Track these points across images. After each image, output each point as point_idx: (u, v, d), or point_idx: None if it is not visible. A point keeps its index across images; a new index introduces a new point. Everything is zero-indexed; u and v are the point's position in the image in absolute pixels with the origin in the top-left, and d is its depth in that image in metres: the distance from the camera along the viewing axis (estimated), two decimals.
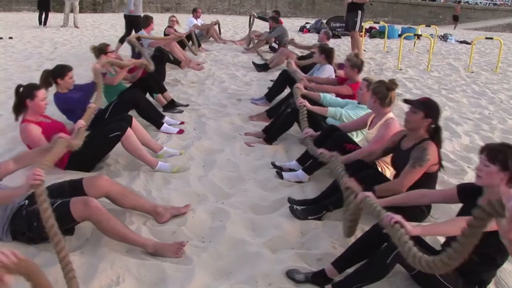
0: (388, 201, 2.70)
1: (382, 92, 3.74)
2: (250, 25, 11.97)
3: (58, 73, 4.51)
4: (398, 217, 2.24)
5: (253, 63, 9.08)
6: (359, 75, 5.24)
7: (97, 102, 4.33)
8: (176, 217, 3.30)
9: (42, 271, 1.93)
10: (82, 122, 3.73)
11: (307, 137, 4.15)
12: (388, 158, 3.69)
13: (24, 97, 3.74)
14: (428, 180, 3.15)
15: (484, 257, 2.35)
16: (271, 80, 7.79)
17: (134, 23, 9.65)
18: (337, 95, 5.28)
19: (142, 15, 9.34)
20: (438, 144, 3.18)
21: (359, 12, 9.61)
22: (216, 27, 12.61)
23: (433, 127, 3.18)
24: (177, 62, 8.09)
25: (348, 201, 2.81)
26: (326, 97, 4.97)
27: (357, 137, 4.42)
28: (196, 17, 11.98)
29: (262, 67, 8.83)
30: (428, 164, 3.07)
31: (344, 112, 4.45)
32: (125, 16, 10.17)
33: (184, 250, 2.90)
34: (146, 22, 8.16)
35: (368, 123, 4.01)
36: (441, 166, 3.20)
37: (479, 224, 1.64)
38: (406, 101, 3.35)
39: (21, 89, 3.75)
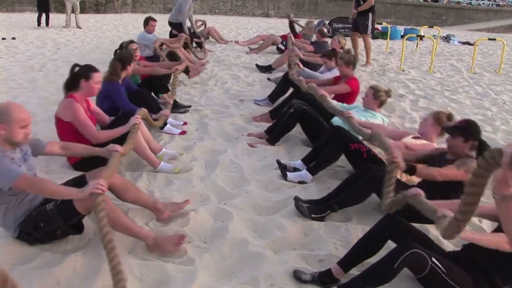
0: (467, 237, 2.43)
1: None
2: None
3: (127, 59, 4.93)
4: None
5: (257, 65, 9.06)
6: (354, 70, 5.43)
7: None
8: (178, 218, 3.30)
9: None
10: (119, 149, 3.21)
11: (350, 116, 4.27)
12: None
13: (80, 76, 3.79)
14: (457, 189, 3.17)
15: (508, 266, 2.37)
16: (268, 79, 7.82)
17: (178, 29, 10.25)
18: (336, 95, 5.32)
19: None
20: None
21: (370, 14, 9.53)
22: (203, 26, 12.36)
23: (477, 145, 3.15)
24: (185, 71, 8.00)
25: (389, 175, 2.93)
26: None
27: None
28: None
29: (266, 69, 8.83)
30: (468, 174, 3.09)
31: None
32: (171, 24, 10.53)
33: (184, 243, 2.92)
34: (147, 22, 8.24)
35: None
36: None
37: (482, 173, 1.59)
38: (444, 128, 3.42)
39: (77, 68, 3.83)
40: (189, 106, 6.14)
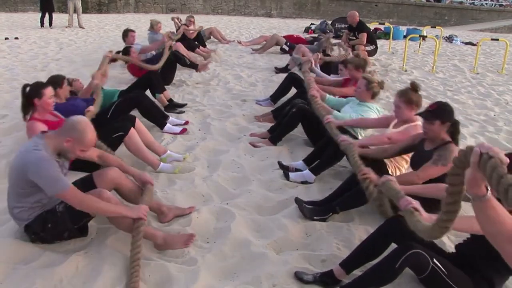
0: (406, 189, 2.74)
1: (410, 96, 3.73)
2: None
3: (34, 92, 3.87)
4: (415, 203, 2.35)
5: (275, 68, 8.96)
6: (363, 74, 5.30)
7: (95, 107, 4.36)
8: (181, 218, 3.31)
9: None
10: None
11: (330, 122, 4.18)
12: (400, 160, 3.74)
13: (31, 96, 3.72)
14: (443, 179, 3.15)
15: (497, 262, 2.33)
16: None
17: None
18: (342, 96, 5.31)
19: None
20: (456, 140, 3.19)
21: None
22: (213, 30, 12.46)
23: (451, 125, 3.17)
24: (193, 66, 8.00)
25: (368, 191, 2.94)
26: (329, 99, 5.00)
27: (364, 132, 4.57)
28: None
29: (283, 70, 8.73)
30: (450, 165, 3.05)
31: (348, 118, 4.43)
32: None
33: (193, 241, 2.98)
34: (126, 34, 8.08)
35: (392, 125, 3.98)
36: None
37: (457, 172, 1.61)
38: (419, 114, 3.37)
39: (28, 88, 3.71)
40: (185, 104, 6.16)
